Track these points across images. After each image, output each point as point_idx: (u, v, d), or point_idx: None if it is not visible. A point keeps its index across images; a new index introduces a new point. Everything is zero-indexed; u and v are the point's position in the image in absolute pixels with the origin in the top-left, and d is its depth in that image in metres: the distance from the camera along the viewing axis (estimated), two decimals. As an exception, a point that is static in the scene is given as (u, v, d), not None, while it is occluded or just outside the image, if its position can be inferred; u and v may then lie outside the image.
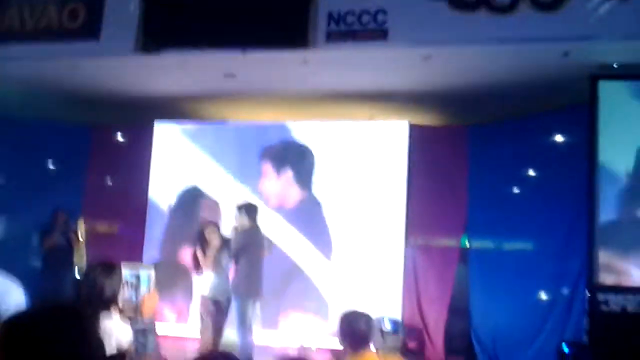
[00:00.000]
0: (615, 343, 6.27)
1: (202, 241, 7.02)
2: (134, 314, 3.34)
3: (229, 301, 6.85)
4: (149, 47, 7.03)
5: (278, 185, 9.01)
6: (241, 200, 7.47)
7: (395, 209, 8.50)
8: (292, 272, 8.53)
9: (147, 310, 3.43)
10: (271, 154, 9.10)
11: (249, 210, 6.98)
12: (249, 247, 6.87)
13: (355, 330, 3.47)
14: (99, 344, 1.34)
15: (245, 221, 6.83)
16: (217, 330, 6.80)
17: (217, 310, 6.84)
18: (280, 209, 8.87)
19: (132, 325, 2.36)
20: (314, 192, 8.90)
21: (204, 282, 6.99)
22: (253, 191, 8.89)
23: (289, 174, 9.01)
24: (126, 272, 3.58)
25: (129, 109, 9.03)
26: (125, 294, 3.50)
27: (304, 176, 8.95)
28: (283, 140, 9.11)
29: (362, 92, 8.12)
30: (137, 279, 3.55)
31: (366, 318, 3.58)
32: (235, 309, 6.56)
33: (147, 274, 3.58)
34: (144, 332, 2.36)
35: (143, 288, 3.52)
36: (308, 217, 8.84)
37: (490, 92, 7.59)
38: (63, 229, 8.60)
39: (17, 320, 1.28)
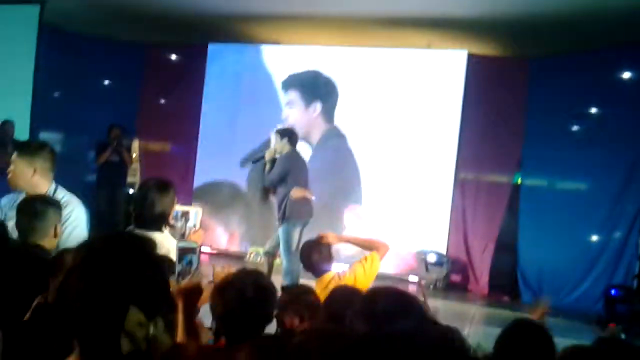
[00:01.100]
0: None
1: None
2: (181, 239, 3.41)
3: (275, 228, 6.92)
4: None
5: (305, 117, 8.99)
6: (287, 128, 7.42)
7: (448, 141, 8.34)
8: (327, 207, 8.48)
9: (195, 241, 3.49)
10: (299, 84, 9.05)
11: (291, 135, 6.93)
12: (293, 170, 6.84)
13: (311, 261, 3.92)
14: (162, 268, 1.45)
15: (286, 146, 6.79)
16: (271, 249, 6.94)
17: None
18: (303, 139, 8.74)
19: (178, 244, 2.43)
20: (336, 124, 8.88)
21: None
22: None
23: (318, 107, 8.98)
24: (178, 206, 3.65)
25: (185, 28, 8.97)
26: (175, 222, 3.57)
27: (330, 110, 8.93)
28: (310, 70, 9.01)
29: (420, 18, 7.84)
30: (186, 214, 3.62)
31: (319, 249, 3.95)
32: (281, 233, 6.62)
33: (196, 212, 3.65)
34: (191, 251, 2.42)
35: (191, 223, 3.59)
36: (334, 149, 8.84)
37: (554, 23, 7.20)
38: (116, 145, 8.79)
39: (90, 247, 1.41)
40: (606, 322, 6.28)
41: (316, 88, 8.99)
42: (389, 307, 1.95)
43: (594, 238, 7.55)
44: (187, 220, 3.67)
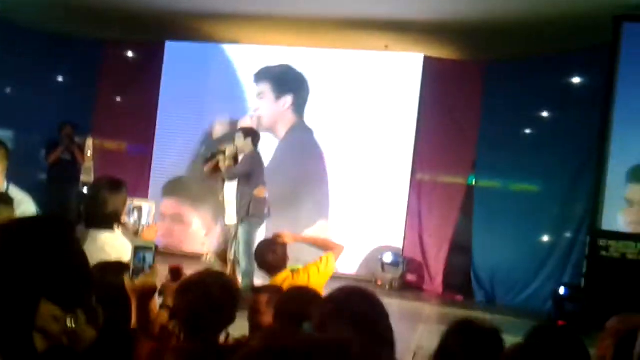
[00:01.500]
0: (611, 288, 6.34)
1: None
2: (135, 238, 3.39)
3: (235, 226, 6.90)
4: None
5: (275, 109, 9.00)
6: (245, 125, 7.42)
7: (404, 142, 8.45)
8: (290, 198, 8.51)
9: (148, 238, 3.46)
10: (271, 76, 9.05)
11: (254, 135, 6.95)
12: (257, 170, 6.88)
13: (266, 261, 3.94)
14: (81, 256, 1.32)
15: (249, 145, 6.81)
16: (223, 254, 6.91)
17: (228, 234, 6.94)
18: (270, 131, 8.89)
19: (133, 242, 2.42)
20: (305, 119, 8.92)
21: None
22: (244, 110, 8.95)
23: (288, 100, 8.98)
24: (130, 201, 3.61)
25: (140, 26, 8.86)
26: (128, 219, 3.54)
27: (300, 105, 8.93)
28: (282, 64, 9.02)
29: (378, 20, 7.91)
30: (139, 210, 3.58)
31: (274, 249, 3.96)
32: (243, 233, 6.61)
33: (149, 207, 3.61)
34: (146, 249, 2.40)
35: (144, 219, 3.56)
36: (300, 142, 8.89)
37: (510, 28, 7.37)
38: (68, 143, 8.61)
39: (3, 227, 1.29)
40: (555, 320, 6.47)
41: (288, 82, 8.99)
42: (364, 309, 1.97)
43: (545, 238, 7.75)
44: (140, 216, 3.62)
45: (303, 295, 2.74)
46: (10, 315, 1.17)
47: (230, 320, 2.31)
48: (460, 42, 8.22)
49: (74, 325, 1.22)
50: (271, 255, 3.97)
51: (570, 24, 6.95)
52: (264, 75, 9.07)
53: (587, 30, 6.95)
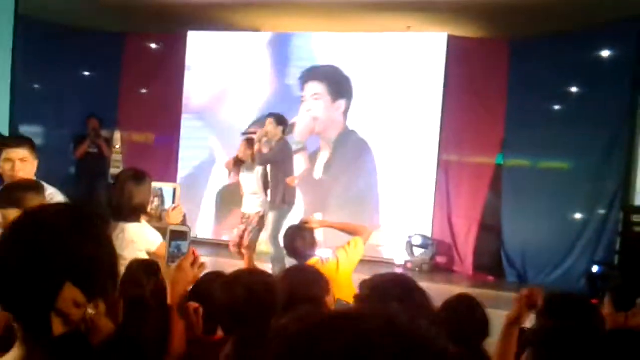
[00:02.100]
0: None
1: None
2: (159, 223, 3.43)
3: (258, 215, 6.93)
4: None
5: (329, 112, 8.77)
6: (274, 112, 7.40)
7: (430, 124, 8.36)
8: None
9: (172, 222, 3.50)
10: (325, 77, 8.79)
11: (286, 125, 6.96)
12: (289, 159, 6.94)
13: (295, 247, 3.96)
14: (109, 248, 1.32)
15: (279, 134, 6.81)
16: (249, 241, 6.93)
17: (251, 222, 6.98)
18: (319, 134, 8.79)
19: (169, 227, 2.42)
20: (349, 122, 8.76)
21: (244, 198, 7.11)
22: (291, 109, 8.66)
23: (342, 104, 8.74)
24: (154, 185, 3.65)
25: (162, 16, 8.88)
26: (153, 204, 3.59)
27: (348, 110, 8.74)
28: (330, 65, 8.78)
29: (399, 1, 7.81)
30: (162, 192, 3.62)
31: (303, 235, 3.99)
32: (274, 218, 6.66)
33: (173, 189, 3.65)
34: (181, 235, 2.40)
35: (169, 201, 3.60)
36: (354, 153, 8.69)
37: (535, 3, 7.21)
38: (93, 136, 8.71)
39: (27, 217, 1.30)
40: (589, 298, 6.37)
41: (342, 85, 8.75)
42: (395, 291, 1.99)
43: (576, 216, 7.62)
44: (162, 200, 3.67)
45: (306, 274, 2.77)
46: (32, 292, 1.18)
47: (270, 320, 2.30)
48: (484, 20, 8.07)
49: (94, 313, 1.21)
50: (300, 241, 3.99)
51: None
52: (315, 74, 8.84)
53: (615, 4, 6.76)
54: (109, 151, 8.99)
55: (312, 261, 3.92)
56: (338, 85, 8.76)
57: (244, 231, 6.97)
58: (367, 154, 8.61)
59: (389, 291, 2.17)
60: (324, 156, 8.79)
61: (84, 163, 8.75)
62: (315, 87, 8.84)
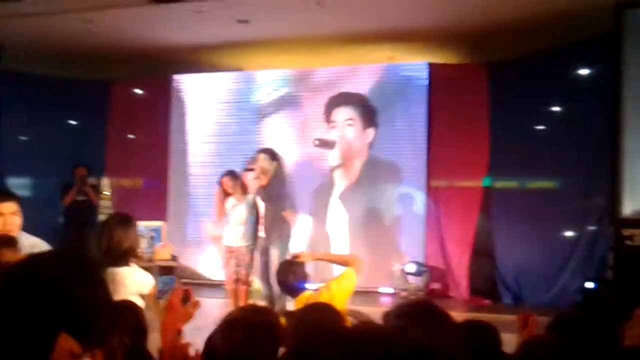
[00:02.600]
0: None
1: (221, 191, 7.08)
2: (149, 263, 3.43)
3: (249, 248, 6.89)
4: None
5: (360, 140, 8.73)
6: (266, 147, 7.43)
7: (416, 151, 8.43)
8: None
9: (160, 260, 3.50)
10: (358, 104, 8.73)
11: (276, 156, 6.98)
12: (285, 193, 6.96)
13: (286, 283, 3.96)
14: (105, 293, 1.27)
15: (273, 167, 6.84)
16: (244, 276, 6.88)
17: (242, 257, 6.91)
18: (344, 161, 8.76)
19: (156, 263, 2.42)
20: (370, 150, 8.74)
21: (227, 230, 7.04)
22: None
23: (371, 133, 8.70)
24: (141, 226, 3.67)
25: (146, 62, 9.00)
26: (141, 245, 3.60)
27: (375, 138, 8.71)
28: (359, 94, 8.75)
29: (380, 32, 7.95)
30: (151, 232, 3.64)
31: (294, 270, 3.97)
32: (279, 253, 6.62)
33: (160, 228, 3.67)
34: (169, 271, 2.40)
35: (157, 240, 3.62)
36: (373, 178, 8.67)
37: (511, 26, 7.35)
38: (80, 184, 8.73)
39: (19, 266, 1.25)
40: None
41: (372, 114, 8.69)
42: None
43: (567, 234, 7.65)
44: (152, 238, 3.69)
45: (324, 310, 2.73)
46: (25, 345, 1.13)
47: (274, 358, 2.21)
48: (464, 45, 8.23)
49: None
50: (292, 276, 3.97)
51: (572, 16, 6.90)
52: (346, 100, 8.78)
53: (590, 21, 6.90)
54: (96, 198, 8.98)
55: (305, 295, 3.90)
56: (369, 113, 8.71)
57: (236, 266, 6.84)
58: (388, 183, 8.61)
59: (418, 318, 2.14)
60: (347, 182, 8.74)
61: (72, 211, 8.74)
62: (349, 112, 8.76)
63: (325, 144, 6.78)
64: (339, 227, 8.64)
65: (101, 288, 1.25)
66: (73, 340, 1.14)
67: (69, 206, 8.75)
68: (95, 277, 1.25)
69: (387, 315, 2.27)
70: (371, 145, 8.69)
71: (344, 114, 8.78)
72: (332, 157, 8.72)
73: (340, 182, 8.77)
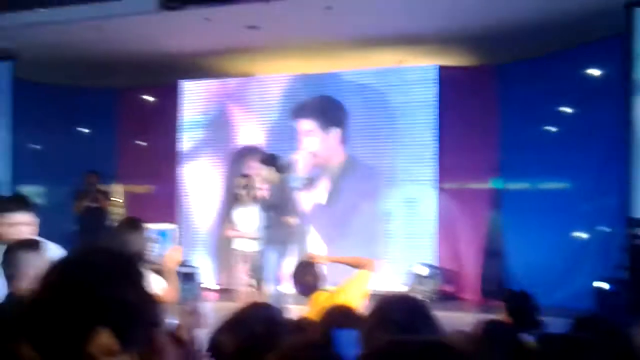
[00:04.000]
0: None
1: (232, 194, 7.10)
2: (158, 266, 3.44)
3: (260, 253, 6.91)
4: (172, 3, 7.03)
5: (325, 144, 8.85)
6: (269, 155, 7.47)
7: (427, 152, 8.43)
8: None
9: (170, 263, 3.51)
10: (315, 111, 8.89)
11: (272, 162, 7.00)
12: (283, 200, 6.95)
13: (303, 281, 4.02)
14: (149, 297, 1.28)
15: (275, 174, 6.86)
16: (253, 282, 6.91)
17: (247, 262, 6.94)
18: (322, 168, 8.84)
19: (178, 269, 2.44)
20: (350, 151, 8.81)
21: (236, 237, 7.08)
22: (290, 149, 8.80)
23: (337, 133, 8.83)
24: (151, 229, 3.69)
25: (155, 69, 9.05)
26: (150, 249, 3.61)
27: (347, 137, 8.81)
28: (322, 96, 8.90)
29: (389, 36, 7.96)
30: (161, 235, 3.65)
31: (311, 269, 4.05)
32: (277, 257, 6.66)
33: (171, 231, 3.69)
34: (189, 277, 2.42)
35: (167, 243, 3.63)
36: (353, 177, 8.72)
37: (521, 28, 7.34)
38: (92, 191, 8.80)
39: (71, 260, 1.25)
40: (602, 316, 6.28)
41: (333, 114, 8.84)
42: (406, 316, 1.96)
43: (579, 234, 7.60)
44: (162, 244, 3.69)
45: (348, 311, 2.72)
46: (64, 331, 1.12)
47: None
48: (473, 48, 8.22)
49: None
50: (309, 277, 4.04)
51: (582, 17, 6.89)
52: (306, 111, 8.92)
53: (601, 21, 6.87)
54: (108, 204, 9.04)
55: (322, 295, 3.92)
56: (327, 116, 8.86)
57: (248, 270, 6.93)
58: (370, 182, 8.63)
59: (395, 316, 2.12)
60: (326, 187, 8.83)
61: (85, 218, 8.81)
62: (306, 125, 8.94)
63: (271, 160, 6.71)
64: (342, 232, 8.63)
65: (147, 291, 1.24)
66: (113, 338, 1.13)
67: (82, 213, 8.83)
68: (139, 277, 1.25)
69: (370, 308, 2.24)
70: (343, 142, 8.78)
71: (303, 126, 8.91)
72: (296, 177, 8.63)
73: (325, 186, 8.82)
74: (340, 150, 8.86)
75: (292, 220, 6.90)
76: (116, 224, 8.90)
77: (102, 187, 9.05)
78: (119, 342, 1.13)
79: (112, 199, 9.27)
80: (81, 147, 9.59)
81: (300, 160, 8.76)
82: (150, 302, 1.25)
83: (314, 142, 8.92)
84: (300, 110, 8.97)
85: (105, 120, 9.75)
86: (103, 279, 1.16)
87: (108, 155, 9.71)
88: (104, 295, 1.14)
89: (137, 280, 1.22)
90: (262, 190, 6.91)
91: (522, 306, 3.43)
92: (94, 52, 8.42)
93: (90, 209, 8.81)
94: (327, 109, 8.87)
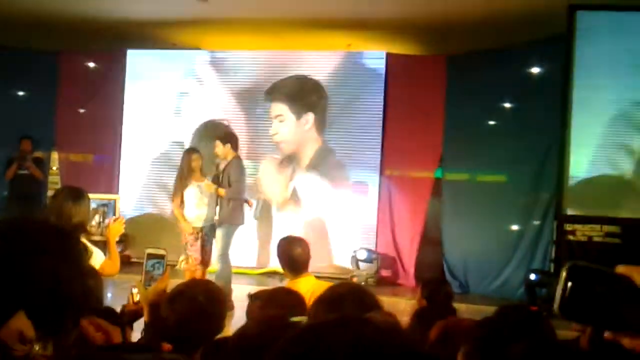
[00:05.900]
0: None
1: (184, 169, 6.91)
2: (101, 238, 3.37)
3: (212, 229, 6.81)
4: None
5: (296, 131, 8.65)
6: (223, 131, 7.37)
7: (371, 139, 8.51)
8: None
9: (113, 234, 3.45)
10: (288, 94, 8.61)
11: (234, 140, 6.92)
12: (242, 176, 6.90)
13: (292, 255, 3.52)
14: (81, 260, 1.13)
15: (230, 151, 6.78)
16: (202, 258, 6.79)
17: (199, 238, 6.81)
18: (293, 156, 8.70)
19: (146, 250, 2.44)
20: (326, 137, 8.66)
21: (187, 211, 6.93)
22: (257, 131, 8.70)
23: (310, 118, 8.60)
24: (93, 199, 3.59)
25: (101, 35, 8.76)
26: (93, 220, 3.53)
27: (322, 121, 8.59)
28: (298, 76, 8.62)
29: (339, 20, 7.96)
30: (103, 206, 3.57)
31: (302, 243, 3.58)
32: (223, 235, 6.60)
33: (113, 201, 3.60)
34: (156, 257, 2.43)
35: (110, 214, 3.55)
36: (325, 164, 8.59)
37: (468, 22, 7.48)
38: (21, 158, 8.46)
39: (9, 222, 1.09)
40: (527, 305, 6.56)
41: (305, 97, 8.58)
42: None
43: (514, 227, 7.87)
44: (105, 213, 3.62)
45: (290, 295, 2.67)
46: None
47: (220, 329, 2.28)
48: (422, 37, 8.31)
49: (40, 353, 1.00)
50: (299, 249, 3.54)
51: (527, 15, 7.07)
52: (277, 93, 8.64)
53: (545, 21, 7.08)
54: (39, 172, 8.69)
55: (308, 281, 3.47)
56: (301, 100, 8.62)
57: (202, 247, 6.75)
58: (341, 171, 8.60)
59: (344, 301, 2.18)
60: (300, 174, 8.69)
61: (16, 185, 8.50)
62: (277, 108, 8.67)
63: (227, 138, 6.68)
64: (294, 215, 8.64)
65: (79, 265, 1.08)
66: (28, 322, 0.97)
67: (12, 180, 8.51)
68: (74, 251, 1.08)
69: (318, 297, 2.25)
70: (317, 127, 8.63)
71: (275, 110, 8.70)
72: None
73: (294, 170, 8.75)
74: (314, 139, 8.64)
75: (246, 201, 6.90)
76: (52, 192, 8.66)
77: (37, 154, 8.72)
78: (36, 327, 0.98)
79: (47, 166, 8.95)
80: (18, 111, 9.21)
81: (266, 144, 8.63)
82: (83, 282, 1.07)
83: (282, 129, 8.68)
84: (271, 92, 8.69)
85: (45, 84, 9.34)
86: (26, 252, 0.99)
87: (46, 120, 9.34)
88: (24, 271, 0.98)
89: (70, 254, 1.05)
90: (216, 166, 6.83)
91: (436, 291, 3.49)
92: (36, 11, 8.06)
93: (21, 176, 8.48)
94: (300, 91, 8.60)
